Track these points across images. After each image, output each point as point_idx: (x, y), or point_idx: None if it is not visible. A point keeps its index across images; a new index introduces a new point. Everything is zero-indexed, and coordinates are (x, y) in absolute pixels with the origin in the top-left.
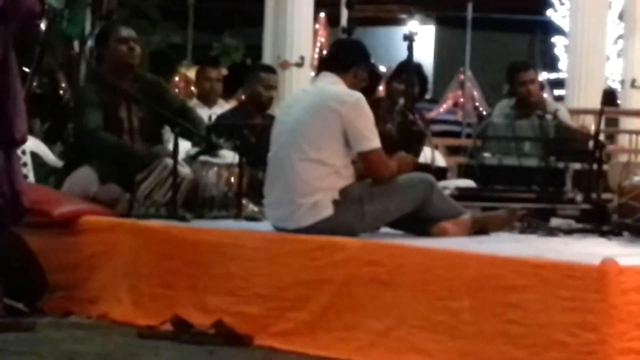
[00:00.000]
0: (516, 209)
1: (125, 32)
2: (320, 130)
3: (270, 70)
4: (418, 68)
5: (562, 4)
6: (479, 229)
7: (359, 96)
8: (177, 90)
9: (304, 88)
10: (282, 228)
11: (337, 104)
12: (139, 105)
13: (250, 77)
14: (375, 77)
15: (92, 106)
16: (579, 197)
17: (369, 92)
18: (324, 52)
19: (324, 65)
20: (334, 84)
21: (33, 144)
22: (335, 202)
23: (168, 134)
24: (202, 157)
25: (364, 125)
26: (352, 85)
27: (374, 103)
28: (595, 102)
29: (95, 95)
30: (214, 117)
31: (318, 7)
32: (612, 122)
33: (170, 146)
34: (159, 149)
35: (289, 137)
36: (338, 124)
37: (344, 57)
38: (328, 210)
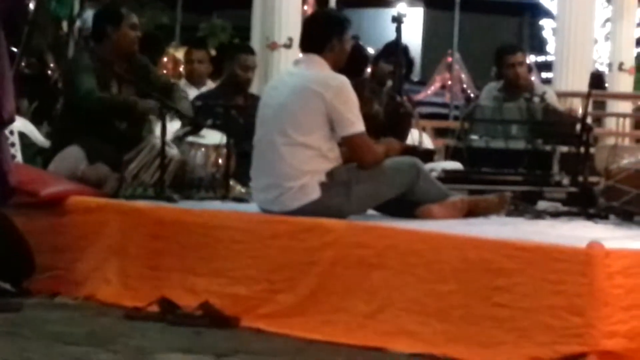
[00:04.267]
0: (506, 194)
1: (136, 20)
2: (305, 115)
3: (248, 51)
4: (404, 49)
5: None
6: (467, 212)
7: (343, 80)
8: (165, 71)
9: (288, 70)
10: (269, 211)
11: (321, 88)
12: (130, 83)
13: (229, 58)
14: (362, 58)
15: (87, 70)
16: (566, 180)
17: (356, 73)
18: None
19: (301, 46)
20: (317, 66)
21: (21, 124)
22: (323, 185)
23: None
24: (190, 138)
25: (347, 109)
26: (334, 60)
27: (360, 84)
28: (582, 85)
29: (89, 62)
30: None
31: None
32: (600, 105)
33: (157, 126)
34: (152, 105)
35: (273, 121)
36: (322, 108)
37: (315, 36)
38: (315, 193)
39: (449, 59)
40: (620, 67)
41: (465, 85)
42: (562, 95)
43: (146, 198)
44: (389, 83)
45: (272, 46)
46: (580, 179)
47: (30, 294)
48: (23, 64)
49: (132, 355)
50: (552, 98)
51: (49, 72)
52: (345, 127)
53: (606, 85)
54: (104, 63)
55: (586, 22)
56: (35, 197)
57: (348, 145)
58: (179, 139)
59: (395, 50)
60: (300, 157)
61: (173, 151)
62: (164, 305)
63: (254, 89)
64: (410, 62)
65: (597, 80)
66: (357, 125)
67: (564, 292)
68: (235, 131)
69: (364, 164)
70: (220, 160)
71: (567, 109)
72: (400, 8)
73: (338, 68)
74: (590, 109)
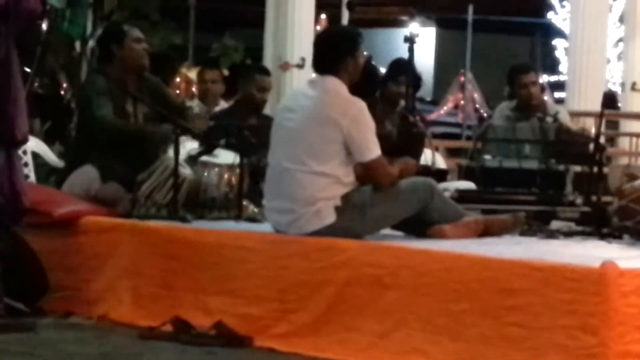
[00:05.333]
0: (520, 214)
1: (139, 33)
2: (321, 143)
3: (264, 72)
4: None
5: (562, 6)
6: (481, 232)
7: (360, 106)
8: (178, 91)
9: (303, 91)
10: (284, 232)
11: (338, 116)
12: (144, 103)
13: (245, 78)
14: (374, 78)
15: (102, 95)
16: (579, 200)
17: (368, 93)
18: None
19: (314, 68)
20: (333, 89)
21: (34, 144)
22: (338, 209)
23: None
24: (203, 158)
25: (364, 136)
26: (350, 78)
27: (372, 104)
28: (595, 105)
29: (104, 85)
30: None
31: (319, 9)
32: (613, 125)
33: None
34: (166, 130)
35: (289, 147)
36: (339, 137)
37: (329, 57)
38: (331, 217)
39: (462, 79)
40: (633, 87)
41: (478, 105)
42: (575, 114)
43: (159, 218)
44: (402, 103)
45: (285, 66)
46: (594, 198)
47: (44, 314)
48: (36, 84)
49: None
50: (565, 118)
51: (62, 92)
52: (362, 153)
53: (619, 105)
54: (116, 83)
55: (599, 41)
56: (48, 217)
57: (365, 170)
58: (192, 159)
59: (407, 69)
60: (316, 185)
61: (186, 171)
62: (177, 325)
63: (266, 109)
64: (417, 78)
65: (609, 100)
66: (374, 151)
67: (578, 312)
68: (247, 151)
69: (380, 186)
70: (233, 180)
71: (580, 129)
72: (412, 28)
73: (353, 83)
74: (603, 128)
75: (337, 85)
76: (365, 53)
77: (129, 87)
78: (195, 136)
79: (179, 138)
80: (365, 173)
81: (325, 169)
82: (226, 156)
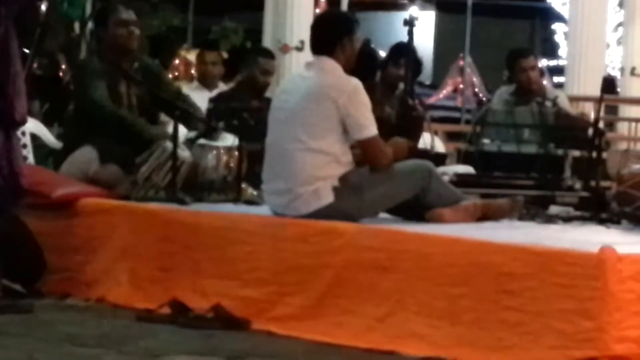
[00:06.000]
0: (518, 198)
1: (125, 14)
2: (318, 120)
3: (268, 55)
4: (412, 50)
5: None
6: (479, 216)
7: (355, 84)
8: (177, 73)
9: (300, 73)
10: (282, 215)
11: (334, 93)
12: (138, 85)
13: (249, 60)
14: (373, 61)
15: (97, 76)
16: (578, 185)
17: (367, 76)
18: None
19: (312, 49)
20: (329, 69)
21: (33, 126)
22: (335, 189)
23: (164, 116)
24: (202, 141)
25: (361, 113)
26: (346, 61)
27: (371, 87)
28: (594, 90)
29: (98, 66)
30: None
31: None
32: (612, 110)
33: (169, 129)
34: (161, 130)
35: (286, 127)
36: (335, 114)
37: (325, 38)
38: (328, 198)
39: (461, 63)
40: (633, 72)
41: (477, 89)
42: (574, 99)
43: (158, 200)
44: (401, 86)
45: (284, 49)
46: (592, 183)
47: (41, 295)
48: (35, 65)
49: (142, 357)
50: (564, 102)
51: (61, 73)
52: (359, 131)
53: (618, 89)
54: (109, 64)
55: (598, 26)
56: (46, 199)
57: (362, 148)
58: (190, 142)
59: (406, 53)
60: (313, 163)
61: (185, 154)
62: (175, 307)
63: (267, 92)
64: (418, 63)
65: (609, 84)
66: (371, 129)
67: (576, 297)
68: (246, 133)
69: (377, 167)
70: (231, 163)
71: (579, 114)
72: (412, 11)
73: (349, 67)
74: (602, 113)
75: (333, 66)
76: (363, 37)
77: (124, 66)
78: (192, 123)
79: (177, 120)
80: (362, 152)
81: (322, 145)
82: (225, 139)
